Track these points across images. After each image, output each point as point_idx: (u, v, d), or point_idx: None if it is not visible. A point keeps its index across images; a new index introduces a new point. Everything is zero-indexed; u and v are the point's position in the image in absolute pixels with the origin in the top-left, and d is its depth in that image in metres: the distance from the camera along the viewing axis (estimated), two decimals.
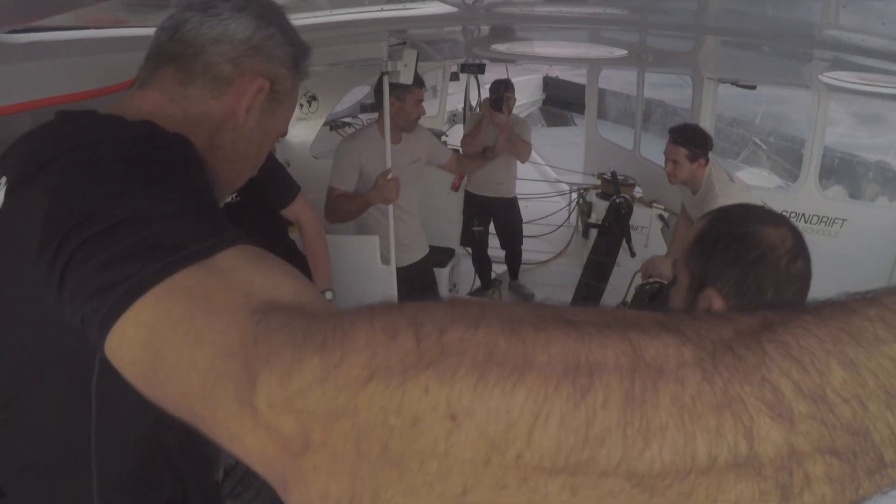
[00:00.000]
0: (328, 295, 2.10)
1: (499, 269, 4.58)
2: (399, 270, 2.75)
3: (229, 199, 1.77)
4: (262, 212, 1.97)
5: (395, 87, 2.45)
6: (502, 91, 3.71)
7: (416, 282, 2.91)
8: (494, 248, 4.45)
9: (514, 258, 4.46)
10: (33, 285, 0.49)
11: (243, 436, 0.32)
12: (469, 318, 0.29)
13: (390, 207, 2.50)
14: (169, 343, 0.37)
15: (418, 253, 2.93)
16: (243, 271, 0.41)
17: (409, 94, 2.54)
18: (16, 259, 0.52)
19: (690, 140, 2.69)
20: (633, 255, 3.62)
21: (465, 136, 3.98)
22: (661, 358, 0.26)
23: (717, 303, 0.90)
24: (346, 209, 2.54)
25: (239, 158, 0.75)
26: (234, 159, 0.75)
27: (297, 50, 0.75)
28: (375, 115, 5.87)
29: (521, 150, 3.83)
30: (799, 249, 0.91)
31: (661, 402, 0.25)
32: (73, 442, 0.63)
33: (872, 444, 0.25)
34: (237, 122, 0.71)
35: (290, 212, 2.07)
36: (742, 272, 0.89)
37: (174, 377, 0.36)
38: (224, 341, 0.35)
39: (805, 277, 0.91)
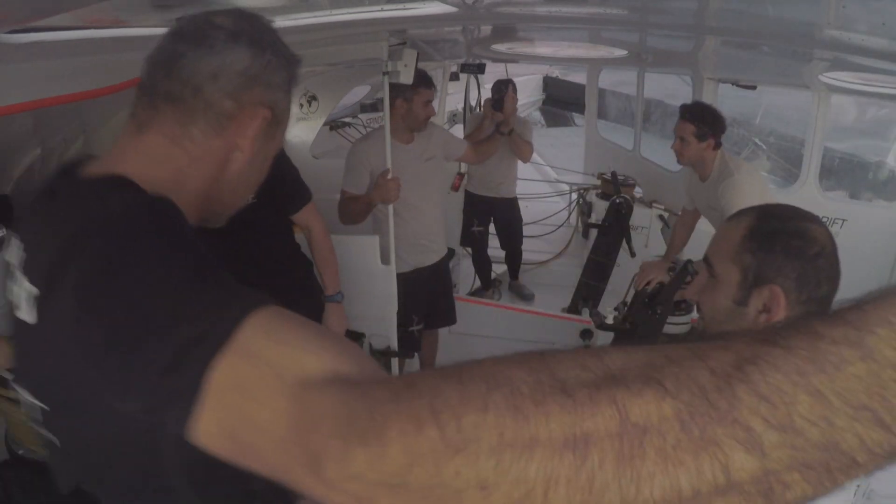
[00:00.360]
0: (338, 297, 2.14)
1: (499, 269, 4.59)
2: (416, 272, 2.74)
3: None
4: (272, 212, 1.96)
5: (403, 88, 2.43)
6: (504, 91, 3.71)
7: (433, 285, 2.90)
8: (494, 249, 4.45)
9: (514, 258, 4.46)
10: (88, 385, 0.56)
11: (329, 497, 0.40)
12: (478, 400, 0.35)
13: (390, 208, 2.50)
14: (240, 435, 0.44)
15: (435, 255, 2.89)
16: (267, 351, 0.45)
17: (417, 96, 2.52)
18: (64, 364, 0.58)
19: (699, 116, 2.54)
20: (633, 255, 3.62)
21: (465, 138, 3.98)
22: (644, 416, 0.32)
23: (780, 298, 0.92)
24: (353, 211, 2.55)
25: (242, 185, 0.77)
26: (239, 187, 0.77)
27: (291, 71, 0.74)
28: (375, 115, 5.87)
29: (522, 149, 3.83)
30: (836, 248, 0.94)
31: (647, 455, 0.31)
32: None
33: (843, 452, 0.30)
34: (242, 154, 0.71)
35: (299, 217, 2.07)
36: (804, 266, 0.91)
37: (257, 460, 0.44)
38: (278, 431, 0.41)
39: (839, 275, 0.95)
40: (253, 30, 0.70)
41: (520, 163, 4.17)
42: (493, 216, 4.27)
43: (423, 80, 2.52)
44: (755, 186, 2.49)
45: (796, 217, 0.96)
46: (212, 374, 0.44)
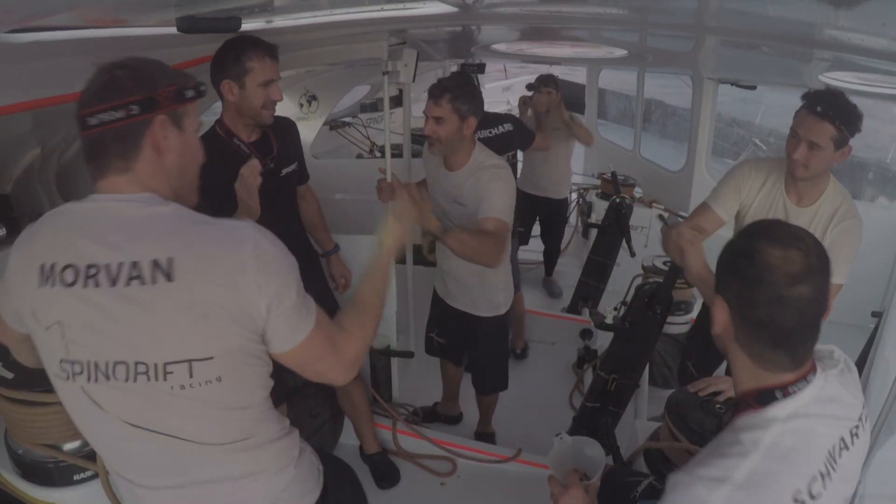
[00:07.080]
0: (337, 249, 2.39)
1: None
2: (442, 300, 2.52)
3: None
4: (297, 179, 2.14)
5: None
6: (535, 86, 3.79)
7: (469, 335, 2.53)
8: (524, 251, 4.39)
9: (552, 256, 4.52)
10: None
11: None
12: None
13: (390, 205, 2.45)
14: None
15: (460, 305, 2.45)
16: None
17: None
18: None
19: (845, 116, 1.71)
20: (632, 255, 3.62)
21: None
22: None
23: (722, 310, 0.96)
24: None
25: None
26: None
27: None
28: (375, 115, 5.83)
29: (581, 134, 3.90)
30: (805, 275, 0.88)
31: None
32: None
33: None
34: None
35: (301, 189, 2.20)
36: (741, 286, 0.93)
37: None
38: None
39: (812, 304, 0.89)
40: None
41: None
42: (538, 216, 4.28)
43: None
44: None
45: (757, 237, 0.94)
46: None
